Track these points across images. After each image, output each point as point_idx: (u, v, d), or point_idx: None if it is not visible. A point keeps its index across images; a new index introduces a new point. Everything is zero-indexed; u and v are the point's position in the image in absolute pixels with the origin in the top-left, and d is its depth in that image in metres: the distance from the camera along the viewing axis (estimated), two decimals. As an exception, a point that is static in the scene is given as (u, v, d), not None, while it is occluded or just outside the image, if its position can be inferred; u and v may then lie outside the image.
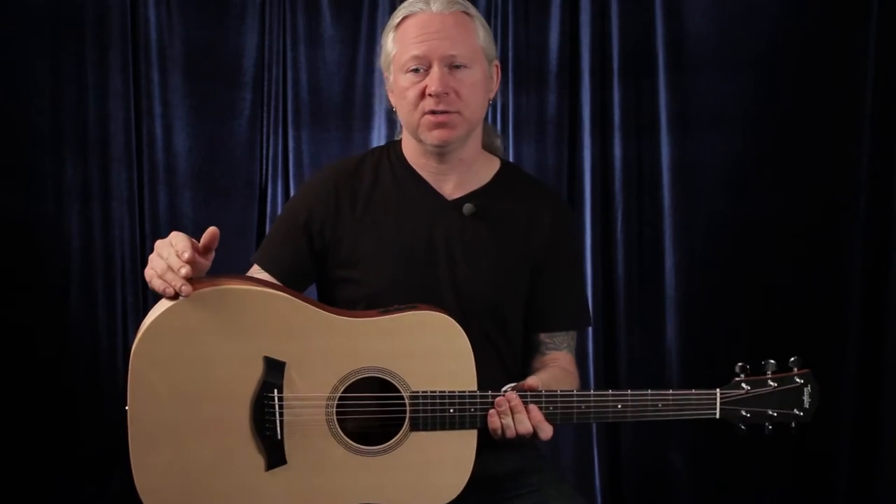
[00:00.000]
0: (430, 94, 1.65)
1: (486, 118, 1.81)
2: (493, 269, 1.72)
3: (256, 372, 1.52)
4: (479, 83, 1.70)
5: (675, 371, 2.78)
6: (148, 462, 1.50)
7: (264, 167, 3.00)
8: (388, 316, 1.56)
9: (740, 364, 1.61)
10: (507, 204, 1.77)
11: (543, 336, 1.80)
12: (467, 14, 1.71)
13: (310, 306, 1.55)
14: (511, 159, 2.83)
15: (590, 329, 2.83)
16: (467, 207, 1.74)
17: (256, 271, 1.77)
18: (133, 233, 2.97)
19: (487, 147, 1.85)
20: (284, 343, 1.52)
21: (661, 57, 2.77)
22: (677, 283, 2.78)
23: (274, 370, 1.51)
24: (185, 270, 1.46)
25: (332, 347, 1.54)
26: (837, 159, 2.66)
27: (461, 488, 1.55)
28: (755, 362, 1.62)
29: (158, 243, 1.53)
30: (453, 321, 1.56)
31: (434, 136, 1.69)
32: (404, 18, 1.70)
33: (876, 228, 2.62)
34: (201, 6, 2.97)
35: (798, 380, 1.60)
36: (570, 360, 1.82)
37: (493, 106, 2.87)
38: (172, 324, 1.51)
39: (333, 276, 1.75)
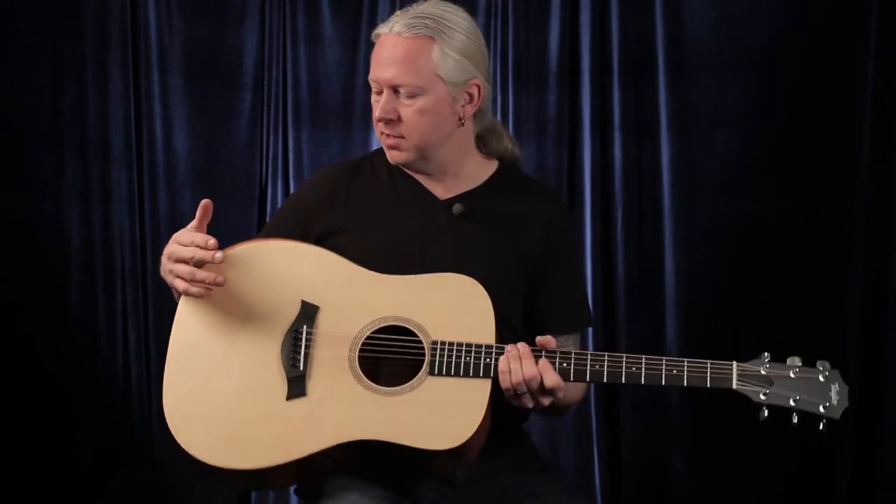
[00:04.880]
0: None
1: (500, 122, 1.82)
2: (480, 269, 1.71)
3: (292, 312, 1.65)
4: (430, 109, 1.70)
5: (675, 371, 2.77)
6: (177, 383, 1.63)
7: (264, 167, 3.00)
8: (418, 275, 1.67)
9: (766, 353, 1.57)
10: (500, 205, 1.78)
11: None
12: (429, 37, 1.68)
13: (348, 262, 1.69)
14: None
15: (590, 329, 2.83)
16: (457, 207, 1.75)
17: None
18: (133, 233, 2.96)
19: (498, 153, 1.85)
20: (321, 290, 1.66)
21: (661, 57, 2.77)
22: (677, 283, 2.78)
23: (308, 311, 1.65)
24: (219, 255, 1.57)
25: (364, 297, 1.66)
26: (837, 159, 2.65)
27: (469, 434, 1.55)
28: (781, 357, 1.58)
29: (169, 252, 1.61)
30: (478, 283, 1.64)
31: (389, 157, 1.76)
32: (376, 37, 1.75)
33: (876, 228, 2.61)
34: (201, 6, 2.97)
35: (822, 378, 1.55)
36: None
37: (493, 106, 2.87)
38: (225, 270, 1.64)
39: None
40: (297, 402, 1.61)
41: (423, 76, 1.68)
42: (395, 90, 1.69)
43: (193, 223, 1.63)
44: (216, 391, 1.62)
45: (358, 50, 2.94)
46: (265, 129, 3.00)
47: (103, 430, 2.92)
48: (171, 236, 1.64)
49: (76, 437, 2.92)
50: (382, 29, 1.73)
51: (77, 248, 2.94)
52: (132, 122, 2.95)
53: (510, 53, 2.85)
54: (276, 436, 1.59)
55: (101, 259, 2.96)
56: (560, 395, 1.58)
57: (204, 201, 1.63)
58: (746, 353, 1.63)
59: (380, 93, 1.71)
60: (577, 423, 2.85)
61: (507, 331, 1.74)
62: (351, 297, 1.66)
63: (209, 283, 1.58)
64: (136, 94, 2.96)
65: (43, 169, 2.91)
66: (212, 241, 1.57)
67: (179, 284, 1.59)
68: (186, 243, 1.58)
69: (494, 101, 2.87)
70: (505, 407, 1.61)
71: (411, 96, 1.69)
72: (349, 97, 2.96)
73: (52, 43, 2.89)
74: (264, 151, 3.00)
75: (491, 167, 1.83)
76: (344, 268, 1.68)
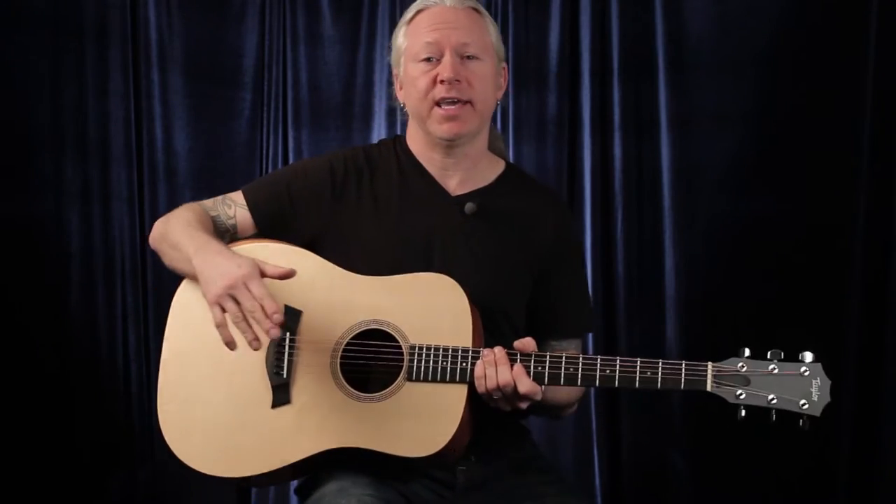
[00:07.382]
0: (441, 81, 1.68)
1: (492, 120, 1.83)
2: (490, 269, 1.72)
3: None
4: (490, 77, 1.74)
5: (675, 371, 2.77)
6: (170, 394, 1.68)
7: (264, 167, 3.00)
8: (397, 276, 1.66)
9: (745, 348, 1.53)
10: (509, 205, 1.78)
11: (552, 341, 1.81)
12: (479, 12, 1.76)
13: (329, 263, 1.69)
14: (511, 159, 2.82)
15: (590, 329, 2.83)
16: (469, 207, 1.74)
17: (237, 196, 1.79)
18: (133, 233, 2.97)
19: (492, 150, 1.86)
20: (304, 294, 1.65)
21: (661, 57, 2.77)
22: (677, 283, 2.78)
23: (291, 317, 1.64)
24: (275, 332, 1.51)
25: (345, 301, 1.66)
26: (837, 159, 2.65)
27: (445, 441, 1.57)
28: (762, 350, 1.54)
29: (233, 284, 1.53)
30: (455, 282, 1.64)
31: (444, 130, 1.71)
32: (418, 13, 1.75)
33: (876, 228, 2.61)
34: (201, 6, 2.97)
35: (804, 370, 1.48)
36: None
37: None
38: None
39: (327, 255, 1.73)
40: (282, 410, 1.63)
41: (484, 43, 1.73)
42: (460, 54, 1.69)
43: (267, 272, 1.56)
44: (206, 401, 1.65)
45: (358, 50, 2.94)
46: (265, 129, 3.00)
47: (103, 429, 2.92)
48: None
49: (76, 436, 2.92)
50: (428, 2, 1.74)
51: (77, 247, 2.94)
52: (132, 121, 2.96)
53: (510, 54, 2.85)
54: (261, 444, 1.62)
55: (101, 259, 2.96)
56: (538, 397, 1.57)
57: (290, 270, 1.57)
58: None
59: (430, 60, 1.70)
60: (577, 423, 2.85)
61: (510, 332, 1.74)
62: (332, 300, 1.66)
63: (248, 338, 1.53)
64: (136, 93, 2.96)
65: (43, 169, 2.91)
66: (278, 315, 1.50)
67: (217, 313, 1.55)
68: (257, 296, 1.51)
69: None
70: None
71: (476, 58, 1.71)
72: (349, 97, 2.96)
73: (52, 43, 2.90)
74: (264, 151, 3.00)
75: (499, 166, 1.84)
76: (324, 270, 1.68)
